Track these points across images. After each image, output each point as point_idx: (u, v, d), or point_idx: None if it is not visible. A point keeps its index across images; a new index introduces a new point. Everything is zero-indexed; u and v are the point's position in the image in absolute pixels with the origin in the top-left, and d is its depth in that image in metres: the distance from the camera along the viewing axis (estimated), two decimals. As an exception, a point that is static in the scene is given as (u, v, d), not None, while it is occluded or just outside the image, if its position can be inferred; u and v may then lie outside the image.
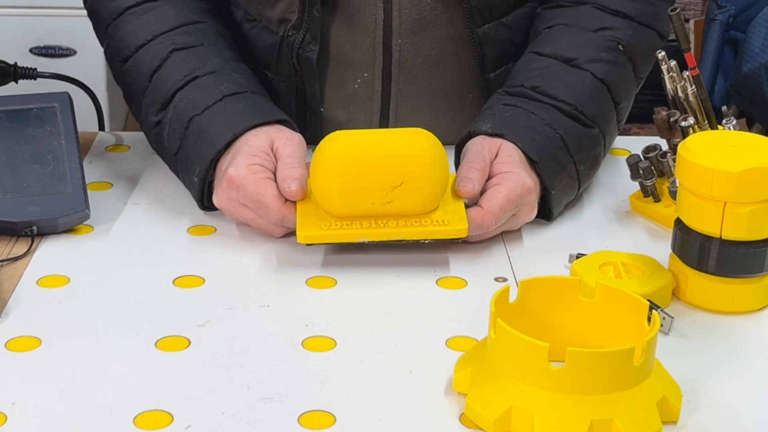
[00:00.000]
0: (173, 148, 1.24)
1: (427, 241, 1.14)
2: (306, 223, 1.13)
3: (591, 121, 1.24)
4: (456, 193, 1.16)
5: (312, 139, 1.38)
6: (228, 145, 1.20)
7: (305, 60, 1.33)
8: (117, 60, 1.31)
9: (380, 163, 1.11)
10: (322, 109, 1.37)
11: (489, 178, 1.17)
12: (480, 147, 1.19)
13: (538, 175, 1.19)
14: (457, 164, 1.23)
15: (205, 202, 1.23)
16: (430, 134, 1.14)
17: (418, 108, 1.37)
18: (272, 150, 1.19)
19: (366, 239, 1.12)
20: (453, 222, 1.13)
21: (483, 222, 1.15)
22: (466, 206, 1.15)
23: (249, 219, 1.18)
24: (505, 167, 1.17)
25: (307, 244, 1.14)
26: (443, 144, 1.14)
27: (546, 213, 1.22)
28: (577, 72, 1.27)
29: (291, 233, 1.17)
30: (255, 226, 1.18)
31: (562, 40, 1.29)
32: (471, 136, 1.22)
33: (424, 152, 1.12)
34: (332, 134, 1.13)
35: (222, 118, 1.22)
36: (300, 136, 1.21)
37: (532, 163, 1.19)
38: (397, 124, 1.37)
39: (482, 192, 1.16)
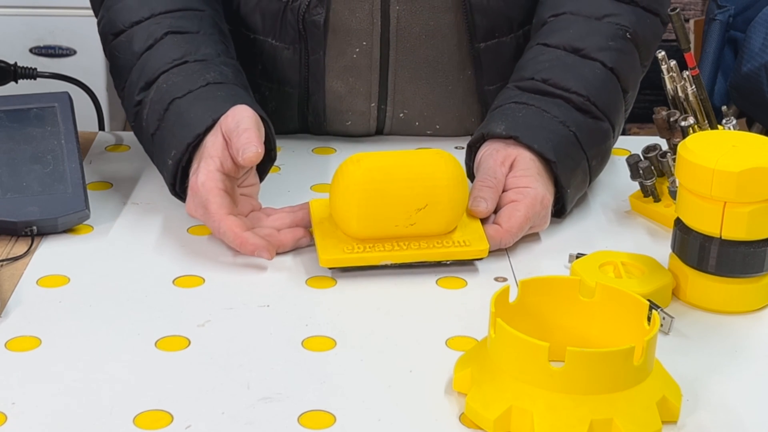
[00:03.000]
0: (151, 128, 1.23)
1: (449, 262, 1.14)
2: (327, 246, 1.12)
3: (602, 112, 1.24)
4: (471, 213, 1.16)
5: (314, 111, 1.38)
6: (206, 130, 1.18)
7: (311, 24, 1.33)
8: (110, 33, 1.30)
9: (405, 185, 1.11)
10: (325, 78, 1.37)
11: (505, 190, 1.17)
12: (493, 162, 1.19)
13: (554, 175, 1.19)
14: (468, 166, 1.23)
15: (177, 188, 1.21)
16: (452, 156, 1.14)
17: (415, 80, 1.37)
18: (225, 140, 1.17)
19: (389, 262, 1.12)
20: (474, 242, 1.13)
21: (502, 241, 1.15)
22: (483, 223, 1.16)
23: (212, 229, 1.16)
24: (523, 181, 1.17)
25: (330, 268, 1.13)
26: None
27: (559, 208, 1.22)
28: (587, 62, 1.26)
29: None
30: (217, 238, 1.17)
31: (569, 29, 1.29)
32: (484, 138, 1.22)
33: (447, 174, 1.12)
34: (354, 157, 1.12)
35: (203, 103, 1.20)
36: (245, 106, 1.18)
37: (549, 163, 1.19)
38: (396, 97, 1.37)
39: (499, 206, 1.17)
